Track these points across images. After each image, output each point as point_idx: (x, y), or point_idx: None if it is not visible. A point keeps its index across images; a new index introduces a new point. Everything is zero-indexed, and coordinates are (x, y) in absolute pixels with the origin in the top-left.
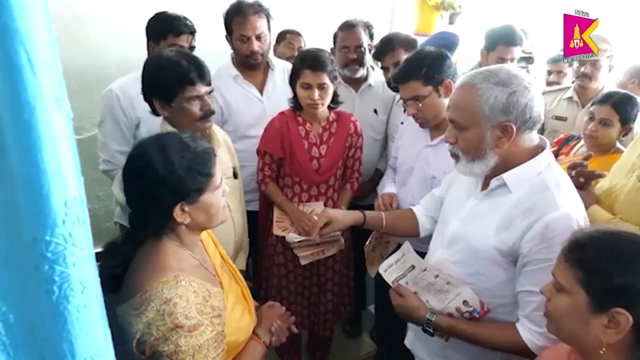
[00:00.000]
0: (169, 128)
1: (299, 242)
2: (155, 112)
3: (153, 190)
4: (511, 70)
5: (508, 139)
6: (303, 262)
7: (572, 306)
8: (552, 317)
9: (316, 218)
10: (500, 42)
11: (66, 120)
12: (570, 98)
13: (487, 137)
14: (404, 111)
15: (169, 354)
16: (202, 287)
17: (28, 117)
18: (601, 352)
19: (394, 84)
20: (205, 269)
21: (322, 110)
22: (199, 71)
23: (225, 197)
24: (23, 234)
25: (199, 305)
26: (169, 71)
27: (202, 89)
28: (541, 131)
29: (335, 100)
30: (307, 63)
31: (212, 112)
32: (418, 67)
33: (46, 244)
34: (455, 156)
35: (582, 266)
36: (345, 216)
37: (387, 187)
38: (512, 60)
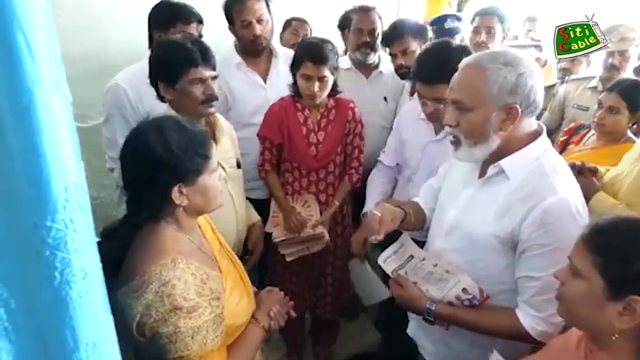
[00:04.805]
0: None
1: (282, 240)
2: (160, 97)
3: (151, 170)
4: (516, 53)
5: (512, 122)
6: (289, 259)
7: (588, 291)
8: (566, 301)
9: (309, 212)
10: (479, 13)
11: (65, 104)
12: (595, 88)
13: (493, 118)
14: (411, 94)
15: (169, 335)
16: (200, 270)
17: (27, 102)
18: (613, 338)
19: (417, 87)
20: (204, 252)
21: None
22: (203, 54)
23: (228, 185)
24: (23, 220)
25: (197, 287)
26: (174, 52)
27: (206, 72)
28: (560, 119)
29: (334, 89)
30: (309, 55)
31: (215, 98)
32: (450, 72)
33: (47, 230)
34: (455, 142)
35: (602, 252)
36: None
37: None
38: (488, 30)
